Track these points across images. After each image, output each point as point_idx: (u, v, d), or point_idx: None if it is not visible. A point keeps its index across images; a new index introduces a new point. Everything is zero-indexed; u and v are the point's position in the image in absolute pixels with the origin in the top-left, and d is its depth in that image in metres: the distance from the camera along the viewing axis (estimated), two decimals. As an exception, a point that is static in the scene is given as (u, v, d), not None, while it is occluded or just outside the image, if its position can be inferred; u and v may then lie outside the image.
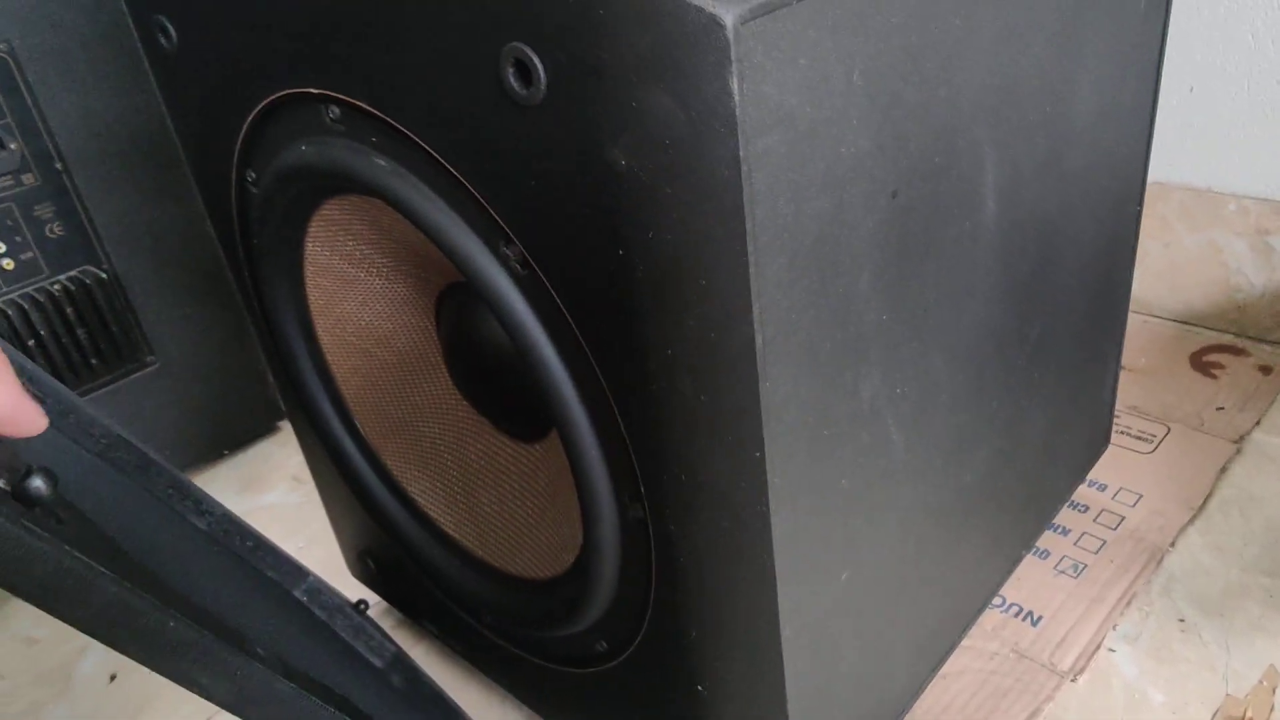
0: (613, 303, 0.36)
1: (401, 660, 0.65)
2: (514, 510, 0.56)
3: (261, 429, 1.02)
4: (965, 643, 0.66)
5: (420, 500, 0.61)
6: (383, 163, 0.42)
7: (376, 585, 0.72)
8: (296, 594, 0.69)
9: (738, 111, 0.29)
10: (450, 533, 0.60)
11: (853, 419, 0.41)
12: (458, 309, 0.54)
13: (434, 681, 0.64)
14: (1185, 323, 0.99)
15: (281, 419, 1.04)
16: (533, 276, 0.39)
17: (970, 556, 0.59)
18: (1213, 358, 0.93)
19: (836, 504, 0.42)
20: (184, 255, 0.90)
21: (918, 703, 0.61)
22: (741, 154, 0.30)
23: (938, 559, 0.54)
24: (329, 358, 0.60)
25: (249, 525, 0.67)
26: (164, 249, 0.88)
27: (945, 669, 0.64)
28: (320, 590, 0.68)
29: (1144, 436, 0.83)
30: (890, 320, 0.41)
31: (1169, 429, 0.84)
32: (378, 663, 0.67)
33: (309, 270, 0.56)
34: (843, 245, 0.37)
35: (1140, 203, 0.64)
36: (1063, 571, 0.71)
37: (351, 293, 0.56)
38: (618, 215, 0.33)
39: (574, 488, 0.49)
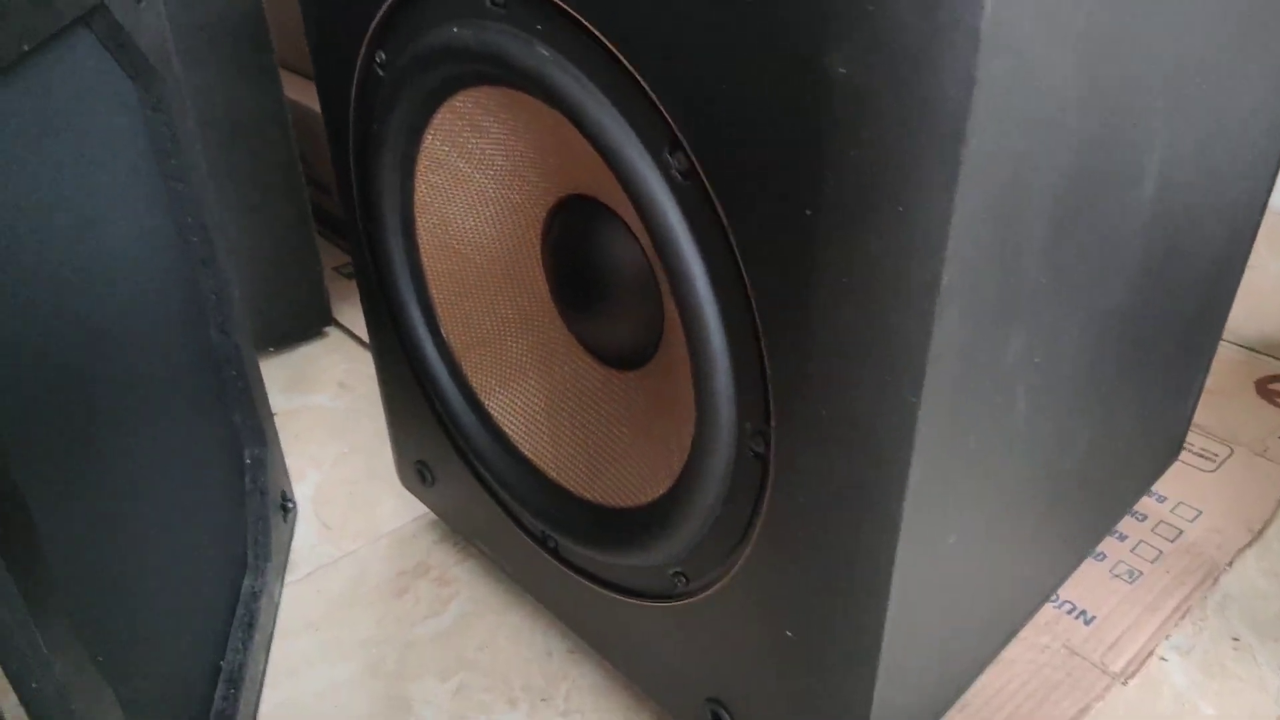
0: (789, 221, 0.34)
1: (260, 579, 0.66)
2: (599, 436, 0.55)
3: (309, 332, 1.01)
4: (1019, 633, 0.65)
5: (497, 416, 0.60)
6: (545, 52, 0.41)
7: (427, 497, 0.71)
8: (245, 454, 0.68)
9: (983, 26, 0.28)
10: (525, 453, 0.59)
11: (993, 377, 0.40)
12: (572, 223, 0.52)
13: (266, 623, 0.65)
14: (1253, 349, 0.98)
15: (329, 324, 1.03)
16: (696, 188, 0.38)
17: (1049, 543, 0.58)
18: (1277, 387, 0.92)
19: (961, 463, 0.41)
20: (259, 143, 0.88)
21: (972, 684, 0.60)
22: (977, 74, 0.29)
23: (1023, 540, 0.53)
24: (424, 259, 0.59)
25: (255, 368, 0.66)
26: (240, 133, 0.87)
27: (999, 655, 0.63)
28: (264, 465, 0.68)
29: (1206, 455, 0.82)
30: (1047, 282, 0.40)
31: (1232, 451, 0.83)
32: (242, 557, 0.66)
33: (422, 164, 0.54)
34: (1027, 193, 0.36)
35: (1262, 213, 0.63)
36: (1118, 576, 0.70)
37: (461, 193, 0.55)
38: (821, 127, 0.32)
39: (675, 417, 0.48)
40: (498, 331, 0.59)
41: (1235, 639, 0.66)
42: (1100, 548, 0.73)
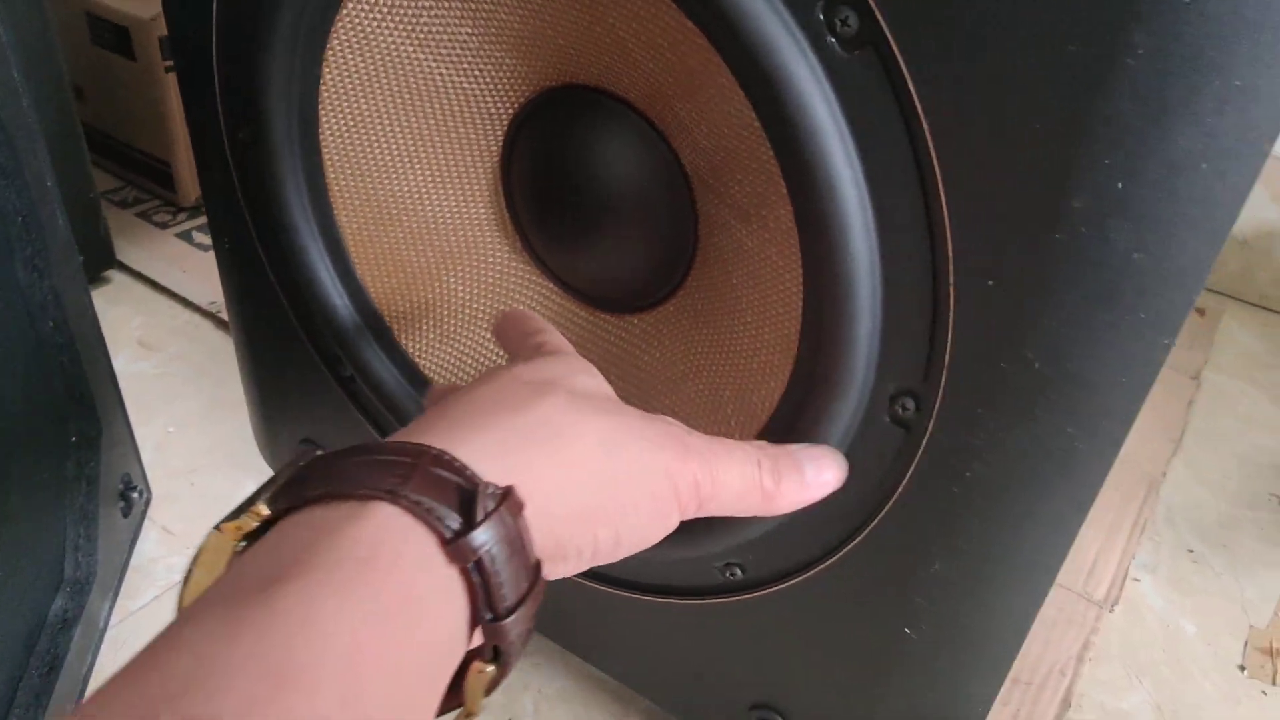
0: (1047, 108, 0.24)
1: (79, 598, 0.52)
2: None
3: (87, 277, 0.79)
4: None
5: (436, 378, 0.47)
6: None
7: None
8: (69, 430, 0.52)
9: None
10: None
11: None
12: (562, 122, 0.39)
13: (77, 665, 0.52)
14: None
15: (111, 268, 0.81)
16: (864, 64, 0.27)
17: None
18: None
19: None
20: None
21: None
22: None
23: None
24: (329, 175, 0.43)
25: (85, 318, 0.49)
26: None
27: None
28: (93, 446, 0.52)
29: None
30: None
31: (1128, 358, 0.83)
32: (57, 568, 0.52)
33: (337, 41, 0.39)
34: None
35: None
36: (1071, 497, 0.68)
37: (393, 81, 0.40)
38: None
39: (730, 370, 0.38)
40: (434, 271, 0.45)
41: (1190, 550, 0.66)
42: (1048, 469, 0.70)
